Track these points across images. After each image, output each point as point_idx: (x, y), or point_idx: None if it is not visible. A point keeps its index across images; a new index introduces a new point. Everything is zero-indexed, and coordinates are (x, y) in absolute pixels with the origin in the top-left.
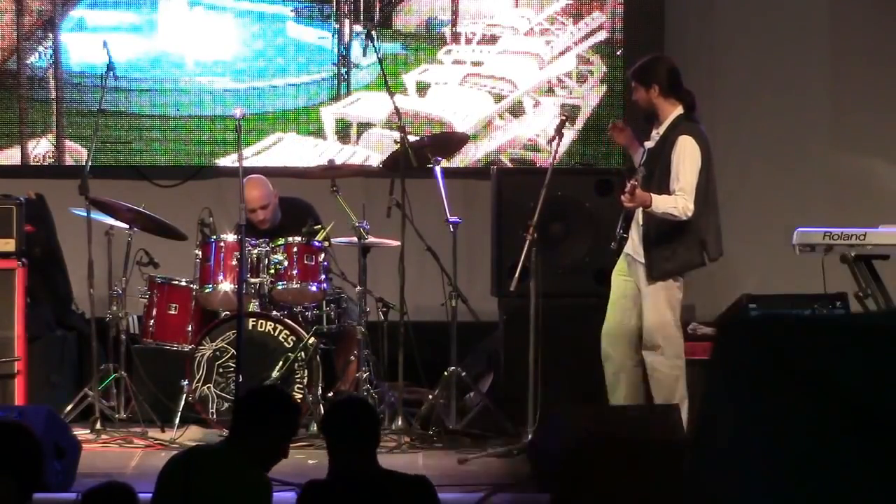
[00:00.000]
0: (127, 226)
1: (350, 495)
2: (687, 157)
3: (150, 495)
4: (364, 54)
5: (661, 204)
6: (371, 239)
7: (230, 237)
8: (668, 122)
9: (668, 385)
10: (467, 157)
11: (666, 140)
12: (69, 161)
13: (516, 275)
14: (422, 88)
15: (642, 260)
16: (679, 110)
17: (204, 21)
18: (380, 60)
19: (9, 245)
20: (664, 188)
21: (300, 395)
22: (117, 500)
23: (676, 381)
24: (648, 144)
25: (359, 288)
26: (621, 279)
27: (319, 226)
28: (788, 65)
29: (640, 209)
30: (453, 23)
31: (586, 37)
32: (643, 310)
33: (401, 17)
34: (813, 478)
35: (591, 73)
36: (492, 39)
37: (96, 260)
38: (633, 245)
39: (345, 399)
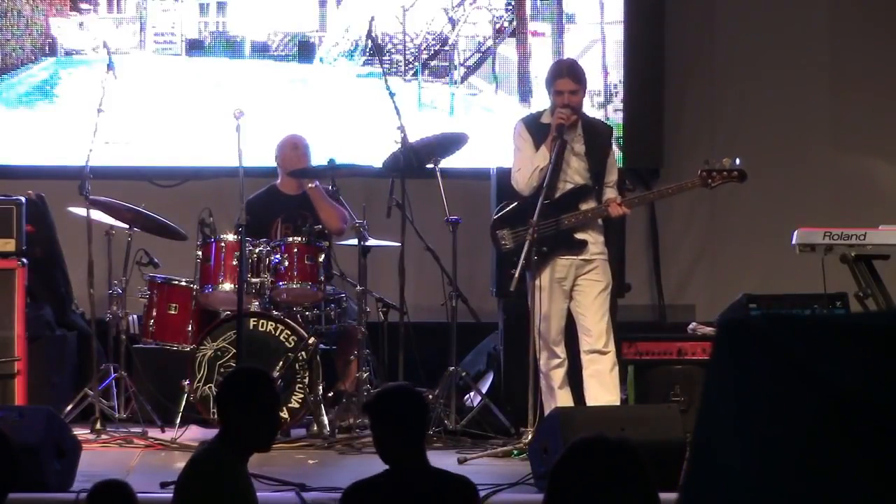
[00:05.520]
0: (127, 226)
1: (398, 494)
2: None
3: (150, 495)
4: (364, 53)
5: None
6: (371, 240)
7: (230, 237)
8: (581, 121)
9: (616, 383)
10: (467, 157)
11: (594, 137)
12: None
13: (516, 275)
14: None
15: (606, 257)
16: None
17: None
18: (381, 60)
19: (9, 245)
20: (601, 186)
21: (301, 395)
22: (118, 498)
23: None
24: (578, 147)
25: (359, 288)
26: (557, 286)
27: (320, 226)
28: (789, 65)
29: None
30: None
31: None
32: (601, 309)
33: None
34: (812, 475)
35: None
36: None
37: (96, 260)
38: (599, 246)
39: (392, 386)
